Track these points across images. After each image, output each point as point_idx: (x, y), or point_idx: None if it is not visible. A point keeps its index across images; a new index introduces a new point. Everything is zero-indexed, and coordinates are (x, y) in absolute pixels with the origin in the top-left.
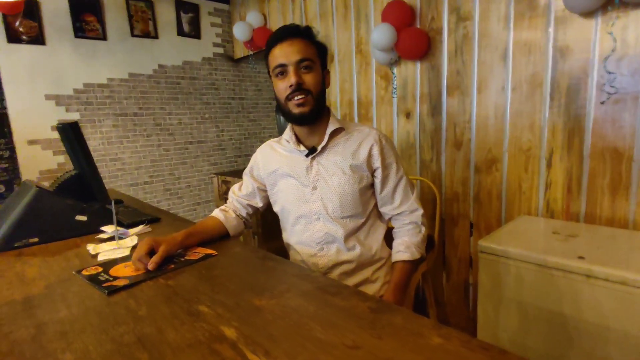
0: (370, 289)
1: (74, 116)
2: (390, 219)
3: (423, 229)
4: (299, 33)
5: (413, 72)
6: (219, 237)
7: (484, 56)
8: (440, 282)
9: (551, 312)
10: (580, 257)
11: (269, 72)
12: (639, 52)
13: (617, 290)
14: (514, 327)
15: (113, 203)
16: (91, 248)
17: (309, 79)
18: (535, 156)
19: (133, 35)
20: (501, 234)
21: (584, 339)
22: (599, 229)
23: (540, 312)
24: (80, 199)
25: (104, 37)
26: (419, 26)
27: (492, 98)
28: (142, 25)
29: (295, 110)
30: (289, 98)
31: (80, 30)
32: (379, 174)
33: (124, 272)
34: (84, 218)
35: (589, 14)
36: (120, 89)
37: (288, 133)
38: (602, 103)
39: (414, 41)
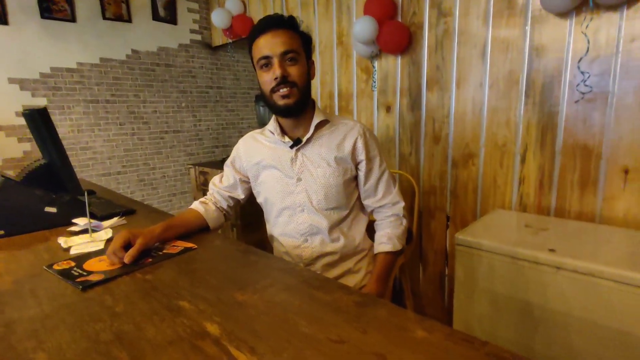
0: (353, 279)
1: (40, 101)
2: (372, 211)
3: (404, 221)
4: (284, 23)
5: (394, 66)
6: (199, 230)
7: (463, 52)
8: (417, 274)
9: (521, 302)
10: (551, 250)
11: (252, 63)
12: (610, 53)
13: (584, 282)
14: (486, 316)
15: (86, 194)
16: (62, 241)
17: (294, 71)
18: (510, 152)
19: (105, 18)
20: (476, 227)
21: (549, 328)
22: (568, 222)
23: (511, 302)
24: (50, 189)
25: (72, 19)
26: (400, 20)
27: (470, 94)
28: (115, 7)
29: (280, 103)
30: (273, 90)
31: (47, 11)
32: (362, 167)
33: (99, 266)
34: (53, 209)
35: (564, 14)
36: (91, 75)
37: (272, 124)
38: (576, 102)
39: (395, 35)
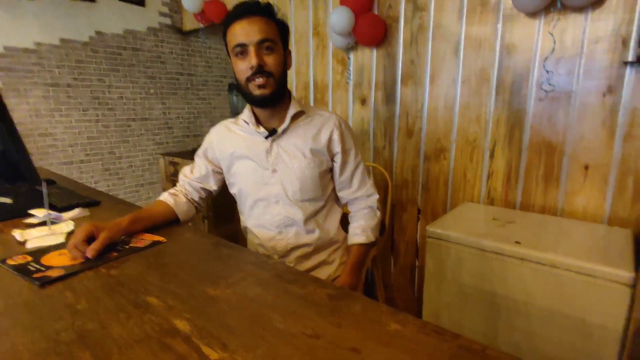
0: (327, 271)
1: None
2: (346, 203)
3: (378, 213)
4: (260, 10)
5: (369, 58)
6: (168, 223)
7: (437, 47)
8: (389, 265)
9: (487, 292)
10: (516, 242)
11: (226, 50)
12: (575, 53)
13: (546, 272)
14: (454, 306)
15: (44, 184)
16: (18, 234)
17: (270, 60)
18: (479, 147)
19: None
20: (446, 219)
21: (513, 316)
22: (532, 215)
23: (477, 292)
24: (4, 178)
25: None
26: (376, 12)
27: (443, 89)
28: None
29: (256, 92)
30: (249, 79)
31: None
32: (338, 159)
33: (59, 261)
34: (8, 200)
35: (533, 14)
36: (51, 56)
37: (247, 114)
38: (540, 100)
39: (371, 27)
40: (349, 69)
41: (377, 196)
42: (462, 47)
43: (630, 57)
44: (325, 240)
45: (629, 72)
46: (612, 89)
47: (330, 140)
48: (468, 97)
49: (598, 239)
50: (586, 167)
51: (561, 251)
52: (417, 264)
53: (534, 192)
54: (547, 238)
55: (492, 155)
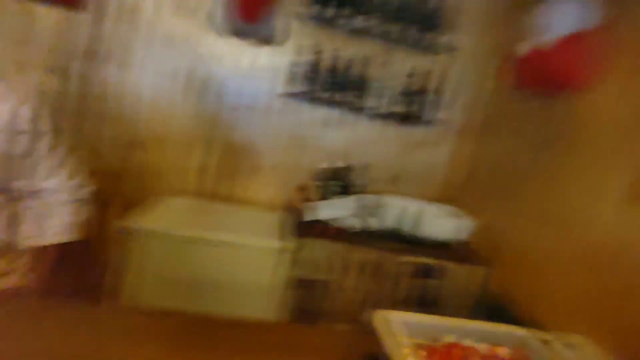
0: (6, 282)
1: None
2: (35, 195)
3: (80, 206)
4: None
5: (66, 21)
6: None
7: (145, 35)
8: (90, 260)
9: (182, 276)
10: (206, 229)
11: None
12: (253, 74)
13: (227, 251)
14: (155, 293)
15: None
16: None
17: None
18: (182, 142)
19: None
20: (146, 212)
21: (209, 291)
22: (225, 205)
23: (173, 277)
24: None
25: None
26: None
27: (149, 80)
28: None
29: None
30: None
31: None
32: (25, 140)
33: None
34: None
35: (226, 35)
36: None
37: None
38: (233, 109)
39: None
40: (29, 33)
41: (81, 187)
42: (170, 42)
43: (283, 89)
44: (3, 244)
45: (283, 100)
46: (276, 108)
47: (16, 116)
48: (174, 94)
49: (267, 221)
50: (265, 167)
51: (238, 232)
52: (117, 256)
53: (227, 185)
54: (229, 223)
55: (191, 151)
